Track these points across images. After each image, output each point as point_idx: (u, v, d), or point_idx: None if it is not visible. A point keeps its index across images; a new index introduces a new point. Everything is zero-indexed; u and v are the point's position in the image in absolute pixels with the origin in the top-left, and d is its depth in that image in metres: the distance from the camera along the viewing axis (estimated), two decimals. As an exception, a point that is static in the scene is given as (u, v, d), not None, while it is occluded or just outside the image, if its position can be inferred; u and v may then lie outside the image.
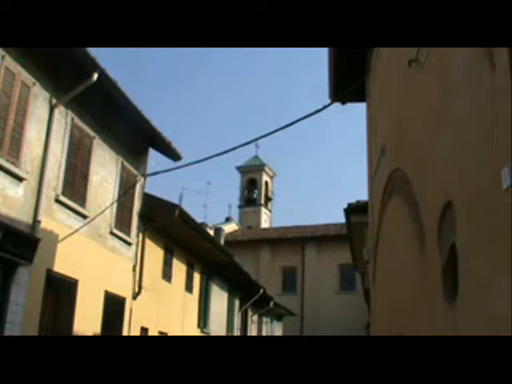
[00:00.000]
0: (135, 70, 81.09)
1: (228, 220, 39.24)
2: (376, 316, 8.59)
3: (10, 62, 8.25)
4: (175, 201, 14.55)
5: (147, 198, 12.76)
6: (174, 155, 13.02)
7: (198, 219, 16.84)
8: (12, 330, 8.08)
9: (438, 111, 4.62)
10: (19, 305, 8.32)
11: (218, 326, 18.67)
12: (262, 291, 21.21)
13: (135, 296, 12.33)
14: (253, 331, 23.45)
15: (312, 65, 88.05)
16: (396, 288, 6.47)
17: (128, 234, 11.98)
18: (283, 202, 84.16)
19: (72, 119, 9.90)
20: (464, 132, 3.93)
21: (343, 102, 10.04)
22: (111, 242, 11.37)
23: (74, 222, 9.96)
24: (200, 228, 15.57)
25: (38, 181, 8.93)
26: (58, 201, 9.48)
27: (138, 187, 12.44)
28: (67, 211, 9.79)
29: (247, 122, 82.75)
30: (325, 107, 8.12)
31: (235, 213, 42.36)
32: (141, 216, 12.52)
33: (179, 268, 15.40)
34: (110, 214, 11.26)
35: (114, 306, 11.36)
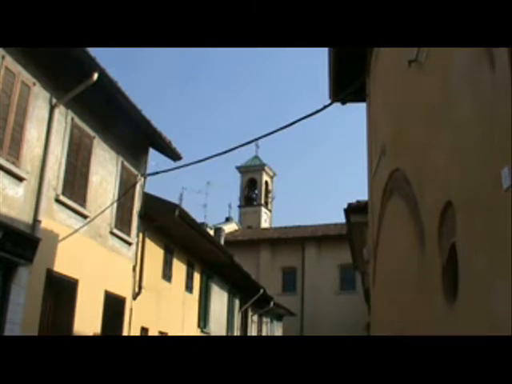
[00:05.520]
0: (136, 70, 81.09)
1: (228, 220, 39.20)
2: (376, 316, 8.59)
3: (10, 62, 8.25)
4: (175, 201, 14.58)
5: (147, 198, 12.75)
6: (174, 155, 13.02)
7: (198, 219, 16.85)
8: (12, 330, 8.08)
9: (438, 111, 4.62)
10: (19, 305, 8.32)
11: (218, 326, 18.66)
12: (262, 291, 21.20)
13: (135, 296, 12.33)
14: (253, 331, 23.45)
15: (313, 65, 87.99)
16: (396, 288, 6.46)
17: (128, 233, 11.98)
18: (283, 202, 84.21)
19: (72, 119, 9.90)
20: (464, 132, 3.93)
21: (343, 102, 10.04)
22: (111, 241, 11.37)
23: (74, 221, 9.96)
24: (200, 228, 15.57)
25: (38, 181, 8.93)
26: (58, 201, 9.48)
27: (138, 187, 12.44)
28: (67, 211, 9.79)
29: (247, 121, 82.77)
30: (325, 107, 8.11)
31: (235, 213, 42.39)
32: (141, 216, 12.52)
33: (179, 268, 15.40)
34: (110, 214, 11.26)
35: (114, 306, 11.36)
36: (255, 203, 42.82)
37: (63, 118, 9.64)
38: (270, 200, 43.83)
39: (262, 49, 66.67)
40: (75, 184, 10.05)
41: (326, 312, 30.86)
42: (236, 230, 37.98)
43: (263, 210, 42.43)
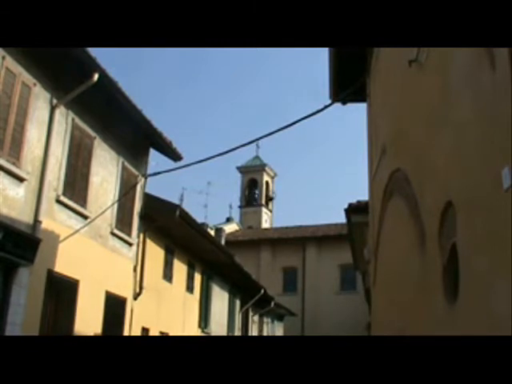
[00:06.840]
0: (136, 70, 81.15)
1: (229, 220, 39.24)
2: (376, 316, 8.58)
3: (10, 63, 8.25)
4: (176, 201, 14.58)
5: (148, 199, 12.75)
6: (174, 155, 13.02)
7: (199, 219, 16.87)
8: (13, 330, 8.08)
9: (438, 111, 4.62)
10: (20, 305, 8.32)
11: (218, 327, 18.66)
12: (262, 291, 21.19)
13: (136, 296, 12.34)
14: (254, 331, 23.44)
15: (313, 65, 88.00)
16: (397, 288, 6.46)
17: (129, 234, 11.98)
18: (284, 202, 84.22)
19: (73, 120, 9.90)
20: (464, 132, 3.92)
21: (344, 102, 10.03)
22: (112, 242, 11.37)
23: (75, 222, 9.97)
24: (201, 228, 15.57)
25: (39, 181, 8.93)
26: (58, 201, 9.49)
27: (138, 187, 12.44)
28: (68, 212, 9.79)
29: (248, 122, 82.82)
30: (325, 107, 8.11)
31: (236, 213, 42.43)
32: (141, 216, 12.52)
33: (180, 268, 15.40)
34: (111, 215, 11.26)
35: (114, 307, 11.36)
36: (256, 203, 42.84)
37: (64, 119, 9.64)
38: (270, 200, 43.83)
39: (262, 49, 66.68)
40: (76, 184, 10.05)
41: (326, 312, 30.86)
42: (237, 231, 37.99)
43: (264, 210, 42.45)
